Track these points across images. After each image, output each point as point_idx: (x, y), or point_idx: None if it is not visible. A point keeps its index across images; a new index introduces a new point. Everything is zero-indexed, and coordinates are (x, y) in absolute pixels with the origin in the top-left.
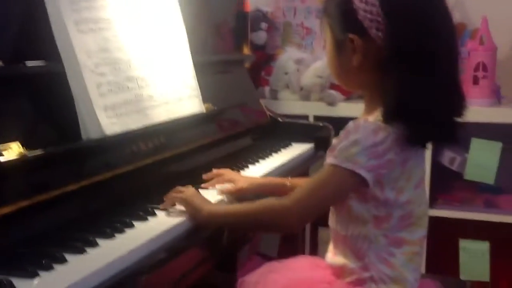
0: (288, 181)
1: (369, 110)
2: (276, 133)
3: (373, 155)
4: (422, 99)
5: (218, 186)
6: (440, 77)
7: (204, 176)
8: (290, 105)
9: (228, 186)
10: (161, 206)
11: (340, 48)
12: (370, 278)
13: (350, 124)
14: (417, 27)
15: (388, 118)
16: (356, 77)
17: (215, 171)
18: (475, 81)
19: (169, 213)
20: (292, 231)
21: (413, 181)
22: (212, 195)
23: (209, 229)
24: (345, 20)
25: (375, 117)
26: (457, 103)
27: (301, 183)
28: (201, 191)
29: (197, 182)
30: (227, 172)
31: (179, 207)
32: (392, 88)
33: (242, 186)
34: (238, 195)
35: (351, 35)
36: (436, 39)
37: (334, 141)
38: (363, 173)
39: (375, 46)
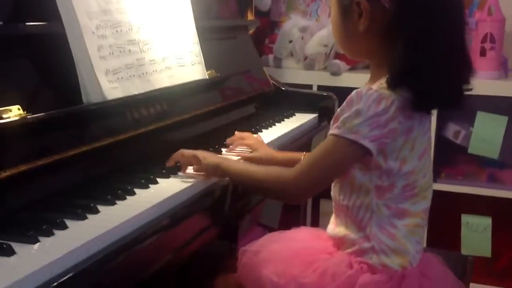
0: (303, 155)
1: (374, 78)
2: (279, 102)
3: (376, 125)
4: (428, 63)
5: (238, 149)
6: (447, 42)
7: (228, 140)
8: (294, 74)
9: (246, 151)
10: (167, 163)
11: (345, 13)
12: (371, 249)
13: (353, 93)
14: None
15: (394, 83)
16: (361, 43)
17: (237, 134)
18: (482, 52)
19: (177, 177)
20: (295, 202)
21: (417, 151)
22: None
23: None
24: None
25: (379, 85)
26: (464, 70)
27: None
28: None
29: (204, 147)
30: (249, 137)
31: (189, 170)
32: (398, 52)
33: (260, 157)
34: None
35: None
36: (444, 7)
37: (338, 111)
38: (366, 143)
39: (382, 10)
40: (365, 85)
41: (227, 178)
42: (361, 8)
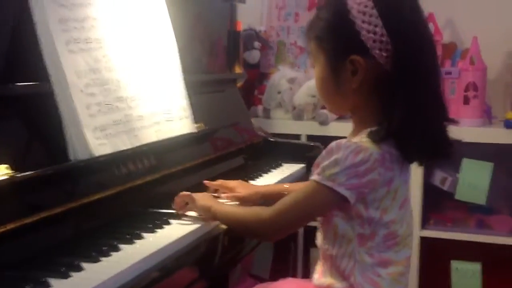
0: (286, 189)
1: (356, 131)
2: (267, 153)
3: (353, 175)
4: (421, 116)
5: (224, 195)
6: (435, 96)
7: (206, 183)
8: (283, 124)
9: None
10: (174, 204)
11: (336, 71)
12: None
13: (333, 143)
14: (416, 44)
15: (382, 137)
16: (349, 98)
17: (217, 182)
18: (466, 101)
19: (163, 231)
20: (269, 240)
21: (397, 201)
22: None
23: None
24: (344, 42)
25: (360, 138)
26: (444, 116)
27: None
28: None
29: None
30: (228, 182)
31: (190, 213)
32: (391, 107)
33: (240, 193)
34: (242, 203)
35: (352, 56)
36: (428, 54)
37: (318, 158)
38: (342, 191)
39: (376, 66)
40: (348, 138)
41: (217, 223)
42: (355, 65)
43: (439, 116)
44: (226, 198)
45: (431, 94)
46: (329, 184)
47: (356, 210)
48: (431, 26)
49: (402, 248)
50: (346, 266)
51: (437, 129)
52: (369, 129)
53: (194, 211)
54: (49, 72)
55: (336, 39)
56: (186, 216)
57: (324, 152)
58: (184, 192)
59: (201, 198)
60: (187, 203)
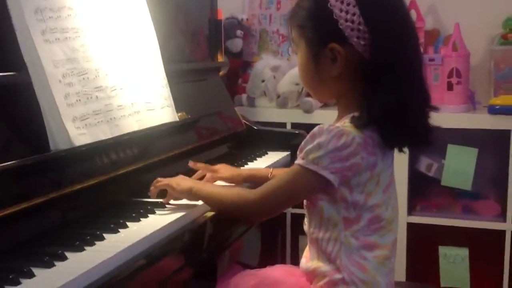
0: (270, 173)
1: (340, 117)
2: (252, 141)
3: (337, 158)
4: (401, 102)
5: (208, 176)
6: (416, 81)
7: (191, 164)
8: (267, 112)
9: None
10: (150, 193)
11: (317, 58)
12: (341, 280)
13: (316, 128)
14: (396, 32)
15: (364, 123)
16: (332, 86)
17: (203, 164)
18: (449, 87)
19: (148, 219)
20: (253, 221)
21: (381, 185)
22: None
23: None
24: (323, 30)
25: (343, 123)
26: (426, 103)
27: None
28: None
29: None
30: (214, 165)
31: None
32: (371, 93)
33: (223, 175)
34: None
35: (331, 44)
36: (409, 42)
37: (302, 143)
38: (326, 174)
39: (355, 54)
40: (333, 123)
41: (200, 202)
42: (334, 53)
43: (420, 103)
44: (209, 179)
45: (411, 81)
46: (313, 167)
47: (340, 194)
48: (413, 13)
49: (388, 232)
50: (332, 249)
51: (418, 116)
52: (351, 115)
53: (175, 198)
54: (26, 62)
55: (316, 28)
56: (171, 204)
57: (308, 136)
58: (160, 180)
59: (179, 182)
60: (164, 190)
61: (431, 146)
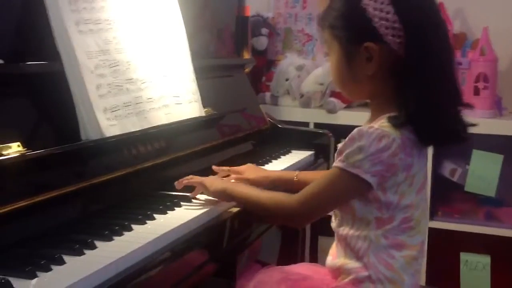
0: (296, 175)
1: (374, 116)
2: (275, 139)
3: (377, 161)
4: (436, 100)
5: (233, 176)
6: (450, 80)
7: (215, 168)
8: (290, 111)
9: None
10: (184, 181)
11: (351, 58)
12: (367, 278)
13: (355, 131)
14: (431, 30)
15: (401, 122)
16: (366, 85)
17: (226, 168)
18: (476, 92)
19: (175, 212)
20: (295, 226)
21: (415, 186)
22: None
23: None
24: (357, 29)
25: (380, 123)
26: (459, 100)
27: (309, 178)
28: None
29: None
30: (239, 167)
31: (201, 196)
32: (407, 92)
33: (249, 177)
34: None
35: (366, 43)
36: (444, 41)
37: (340, 146)
38: (368, 178)
39: (390, 53)
40: (366, 123)
41: (226, 206)
42: (370, 52)
43: (453, 100)
44: (236, 180)
45: (445, 79)
46: (355, 171)
47: (374, 194)
48: None
49: (417, 233)
50: (361, 246)
51: (452, 113)
52: (387, 115)
53: (208, 195)
54: (60, 52)
55: (349, 27)
56: (197, 199)
57: (347, 139)
58: (194, 178)
59: (213, 182)
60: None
61: (465, 142)
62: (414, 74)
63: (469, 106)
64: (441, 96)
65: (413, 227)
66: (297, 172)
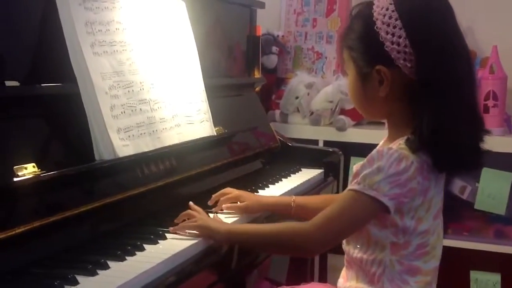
0: (293, 200)
1: (392, 137)
2: (285, 157)
3: (396, 184)
4: (451, 125)
5: (225, 206)
6: (464, 102)
7: (210, 202)
8: (300, 129)
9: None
10: (171, 229)
11: (365, 80)
12: None
13: (374, 151)
14: (444, 54)
15: (416, 146)
16: (381, 107)
17: (220, 191)
18: (485, 110)
19: (181, 236)
20: (312, 255)
21: (432, 211)
22: (222, 216)
23: (223, 249)
24: (370, 52)
25: (398, 145)
26: (479, 128)
27: (307, 203)
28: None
29: (207, 205)
30: (232, 190)
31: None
32: (421, 116)
33: (247, 204)
34: (244, 213)
35: (378, 66)
36: (460, 64)
37: (357, 167)
38: (385, 201)
39: (402, 76)
40: (383, 143)
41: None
42: (381, 75)
43: (471, 126)
44: (227, 208)
45: (460, 103)
46: (372, 193)
47: (391, 220)
48: None
49: (432, 258)
50: (376, 271)
51: (468, 139)
52: (406, 137)
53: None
54: (75, 74)
55: (363, 49)
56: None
57: (365, 160)
58: (191, 214)
59: (208, 220)
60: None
61: (477, 169)
62: (426, 100)
63: (487, 132)
64: (455, 122)
65: (428, 252)
66: (294, 197)
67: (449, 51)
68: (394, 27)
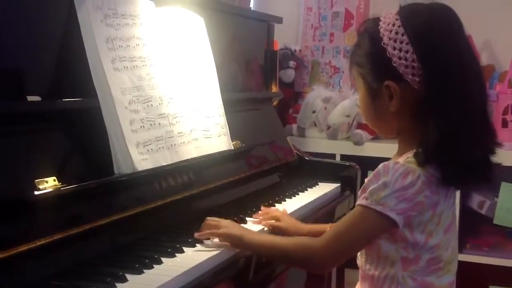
0: (329, 226)
1: (401, 152)
2: (302, 171)
3: (402, 198)
4: (459, 140)
5: (264, 222)
6: (474, 116)
7: (256, 216)
8: (317, 143)
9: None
10: (196, 235)
11: (375, 96)
12: None
13: (380, 166)
14: (452, 69)
15: (424, 159)
16: (392, 122)
17: (264, 209)
18: (504, 124)
19: (203, 246)
20: (321, 271)
21: (442, 225)
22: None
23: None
24: (379, 68)
25: (405, 159)
26: (490, 140)
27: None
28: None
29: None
30: (274, 210)
31: (214, 239)
32: (429, 131)
33: (286, 227)
34: (280, 233)
35: (387, 82)
36: (469, 79)
37: (365, 182)
38: (392, 215)
39: (412, 91)
40: (392, 158)
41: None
42: (391, 90)
43: (480, 139)
44: (266, 225)
45: (468, 117)
46: (379, 208)
47: (401, 234)
48: None
49: (446, 273)
50: None
51: (477, 153)
52: (414, 150)
53: (219, 239)
54: (96, 89)
55: (372, 66)
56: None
57: (371, 175)
58: (210, 220)
59: (230, 227)
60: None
61: (489, 184)
62: (434, 114)
63: (499, 144)
64: (464, 137)
65: (441, 268)
66: (331, 224)
67: (457, 65)
68: (401, 42)
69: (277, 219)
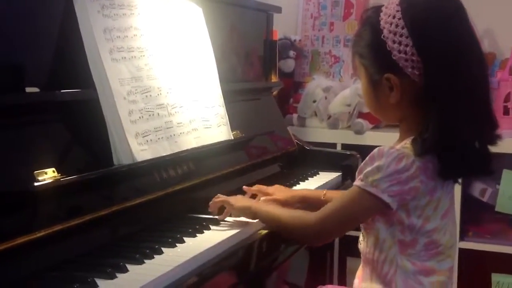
0: (323, 194)
1: (401, 139)
2: (303, 161)
3: (395, 182)
4: (458, 132)
5: (263, 198)
6: (474, 107)
7: (245, 188)
8: (318, 133)
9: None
10: (210, 208)
11: (376, 86)
12: None
13: (375, 150)
14: (451, 62)
15: (421, 150)
16: (394, 112)
17: (257, 186)
18: (505, 111)
19: (203, 235)
20: (313, 244)
21: (440, 211)
22: None
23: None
24: (379, 61)
25: (402, 145)
26: (491, 132)
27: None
28: None
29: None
30: (266, 188)
31: (229, 218)
32: (429, 122)
33: (277, 197)
34: (282, 206)
35: (387, 75)
36: (469, 71)
37: (361, 164)
38: (385, 197)
39: (412, 83)
40: (393, 144)
41: (256, 220)
42: (391, 82)
43: (480, 130)
44: (265, 201)
45: (468, 109)
46: (372, 190)
47: (397, 217)
48: None
49: (446, 258)
50: (388, 271)
51: (477, 144)
52: (412, 137)
53: (233, 214)
54: (94, 80)
55: (372, 57)
56: (225, 221)
57: (367, 158)
58: (220, 196)
59: (239, 200)
60: (222, 207)
61: (489, 176)
62: (434, 106)
63: (498, 137)
64: (463, 131)
65: (441, 252)
66: (325, 191)
67: (457, 58)
68: (401, 35)
69: (270, 193)
